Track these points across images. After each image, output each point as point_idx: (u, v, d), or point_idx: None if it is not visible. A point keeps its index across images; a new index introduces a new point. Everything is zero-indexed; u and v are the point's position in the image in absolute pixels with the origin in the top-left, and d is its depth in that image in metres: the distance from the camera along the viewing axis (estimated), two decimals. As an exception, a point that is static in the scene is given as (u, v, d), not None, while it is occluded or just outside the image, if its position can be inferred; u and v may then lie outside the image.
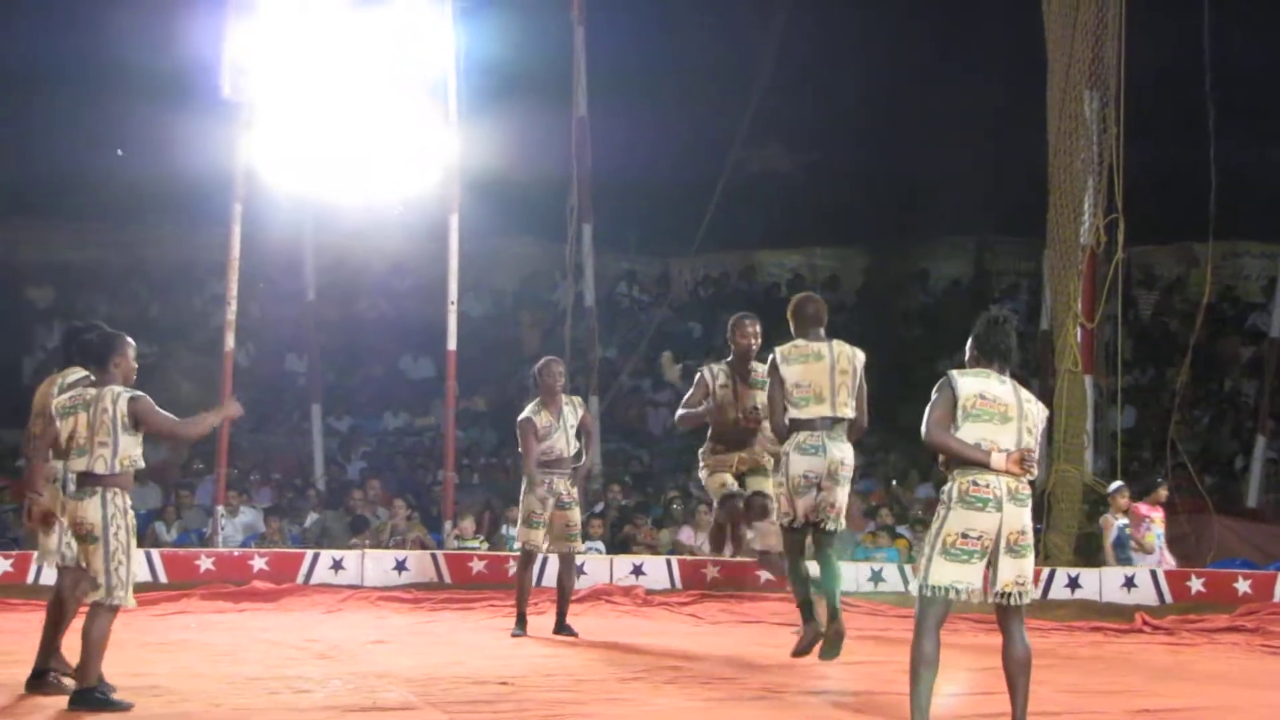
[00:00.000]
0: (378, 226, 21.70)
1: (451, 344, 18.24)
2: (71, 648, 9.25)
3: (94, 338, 9.37)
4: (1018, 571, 7.74)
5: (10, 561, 15.69)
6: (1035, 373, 18.36)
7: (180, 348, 24.48)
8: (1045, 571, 16.26)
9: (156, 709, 8.70)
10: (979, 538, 7.68)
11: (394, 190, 18.76)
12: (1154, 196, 19.38)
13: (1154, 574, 16.09)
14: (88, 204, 25.82)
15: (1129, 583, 16.05)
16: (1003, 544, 7.70)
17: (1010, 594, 7.74)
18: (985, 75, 25.58)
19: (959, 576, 7.69)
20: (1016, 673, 7.86)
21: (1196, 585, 15.98)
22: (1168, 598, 15.92)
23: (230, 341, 17.84)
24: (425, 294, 25.31)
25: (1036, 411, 7.92)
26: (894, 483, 20.99)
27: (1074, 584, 16.12)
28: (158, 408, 9.03)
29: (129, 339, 9.23)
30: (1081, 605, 15.73)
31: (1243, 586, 15.92)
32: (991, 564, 7.73)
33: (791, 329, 10.57)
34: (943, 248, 29.64)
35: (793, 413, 10.39)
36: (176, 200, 23.35)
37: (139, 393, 8.99)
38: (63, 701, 8.82)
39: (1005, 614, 7.86)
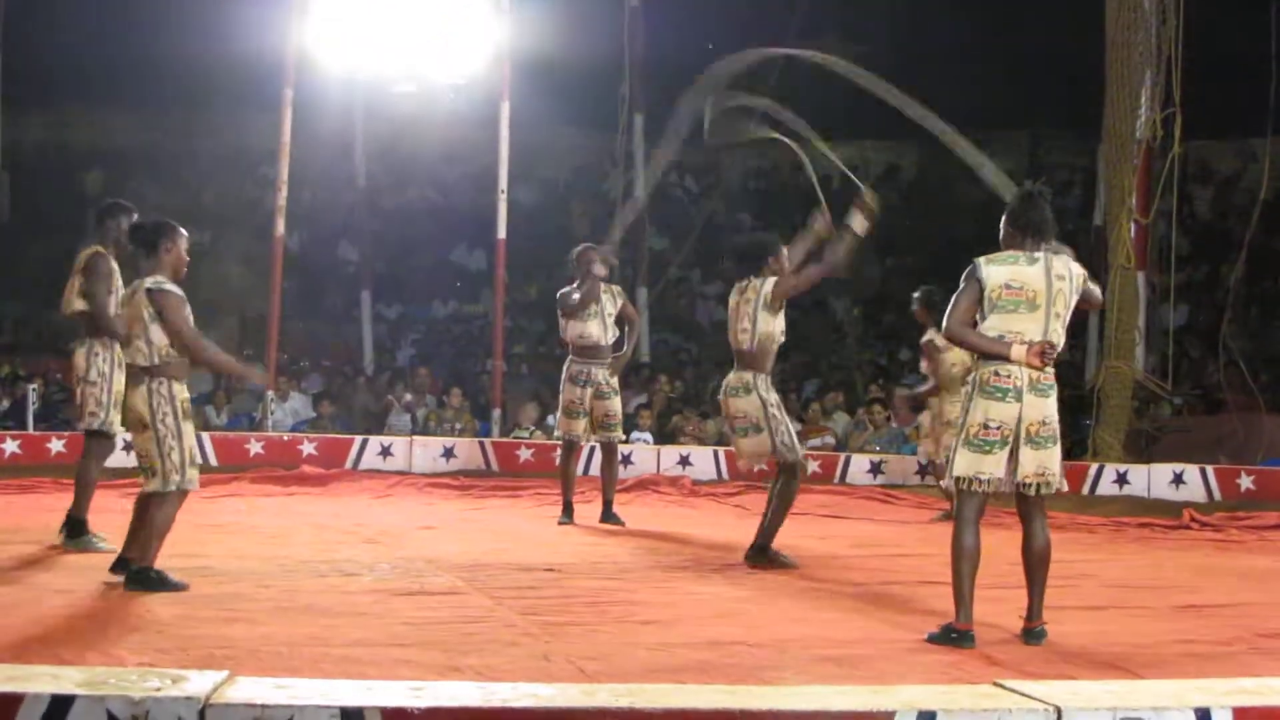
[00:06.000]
0: (429, 114, 21.65)
1: (501, 233, 18.23)
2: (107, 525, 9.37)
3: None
4: (1039, 463, 7.71)
5: (63, 442, 15.84)
6: (1088, 268, 18.19)
7: (232, 233, 24.55)
8: (1094, 467, 16.24)
9: (207, 589, 8.78)
10: (999, 427, 7.65)
11: (445, 77, 18.69)
12: (1212, 90, 19.08)
13: (1203, 471, 16.04)
14: (140, 89, 25.76)
15: (1178, 479, 16.02)
16: (1023, 434, 7.67)
17: (1032, 484, 7.73)
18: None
19: (981, 467, 7.68)
20: (1035, 565, 7.86)
21: (1246, 483, 15.92)
22: (1216, 495, 15.88)
23: (281, 227, 17.90)
24: (475, 182, 25.29)
25: (1069, 287, 7.80)
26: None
27: (1122, 480, 16.10)
28: (181, 308, 8.84)
29: (182, 229, 9.19)
30: (1130, 501, 15.71)
31: (1292, 484, 15.86)
32: (1013, 454, 7.71)
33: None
34: (996, 142, 29.32)
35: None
36: (229, 86, 23.30)
37: (166, 285, 8.86)
38: (108, 575, 8.95)
39: (1026, 504, 7.85)
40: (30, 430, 16.82)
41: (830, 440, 17.93)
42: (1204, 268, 24.61)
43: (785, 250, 10.83)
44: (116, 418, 10.33)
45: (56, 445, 15.92)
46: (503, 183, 18.25)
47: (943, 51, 26.46)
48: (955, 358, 12.71)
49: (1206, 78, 17.86)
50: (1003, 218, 7.98)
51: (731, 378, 10.76)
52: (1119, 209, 17.31)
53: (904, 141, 29.55)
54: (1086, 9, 17.94)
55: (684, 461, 16.72)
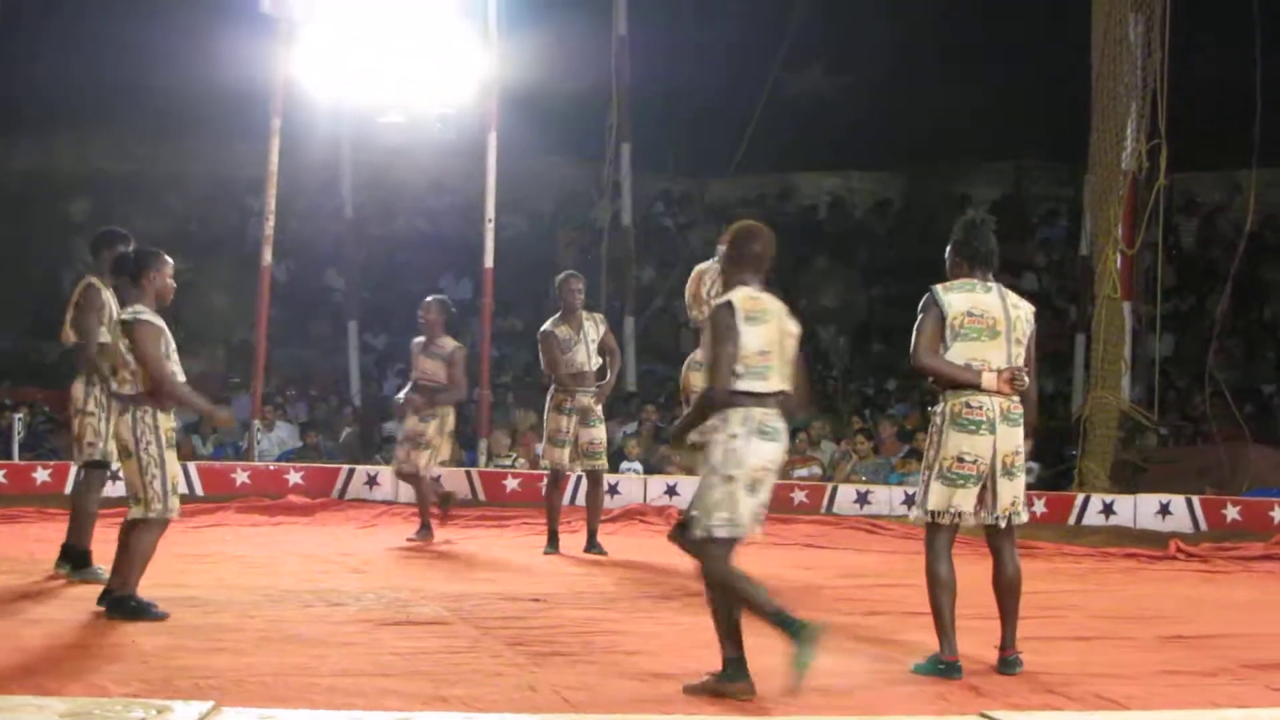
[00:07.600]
0: (416, 144, 21.68)
1: (488, 262, 18.23)
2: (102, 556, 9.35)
3: (130, 252, 9.38)
4: (1014, 494, 7.75)
5: (49, 471, 15.81)
6: (1074, 299, 18.26)
7: (218, 262, 24.54)
8: (1080, 497, 16.24)
9: (192, 619, 8.76)
10: (974, 461, 7.66)
11: (432, 107, 18.72)
12: (1197, 122, 19.14)
13: (1189, 501, 16.03)
14: (126, 116, 25.77)
15: (1164, 510, 15.99)
16: (998, 466, 7.68)
17: (1005, 516, 7.74)
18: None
19: (954, 500, 7.68)
20: (1007, 594, 7.86)
21: (1232, 513, 15.90)
22: (1203, 525, 15.85)
23: (268, 256, 17.90)
24: (463, 212, 25.30)
25: (1025, 315, 7.85)
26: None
27: (1108, 510, 16.09)
28: (154, 339, 8.80)
29: (167, 257, 9.18)
30: (1116, 531, 15.69)
31: (1278, 515, 15.83)
32: (988, 487, 7.70)
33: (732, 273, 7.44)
34: (981, 172, 29.41)
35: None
36: (216, 114, 23.30)
37: (143, 315, 8.88)
38: (95, 605, 8.93)
39: (996, 536, 7.87)
40: (15, 460, 16.76)
41: (817, 470, 17.91)
42: (1189, 298, 24.64)
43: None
44: (114, 447, 10.33)
45: (42, 475, 15.87)
46: (490, 212, 18.24)
47: (929, 82, 26.55)
48: None
49: (1191, 110, 17.91)
50: (948, 248, 7.98)
51: (697, 353, 10.79)
52: (1105, 239, 17.33)
53: (891, 172, 29.63)
54: (1072, 41, 18.00)
55: (671, 491, 16.68)
